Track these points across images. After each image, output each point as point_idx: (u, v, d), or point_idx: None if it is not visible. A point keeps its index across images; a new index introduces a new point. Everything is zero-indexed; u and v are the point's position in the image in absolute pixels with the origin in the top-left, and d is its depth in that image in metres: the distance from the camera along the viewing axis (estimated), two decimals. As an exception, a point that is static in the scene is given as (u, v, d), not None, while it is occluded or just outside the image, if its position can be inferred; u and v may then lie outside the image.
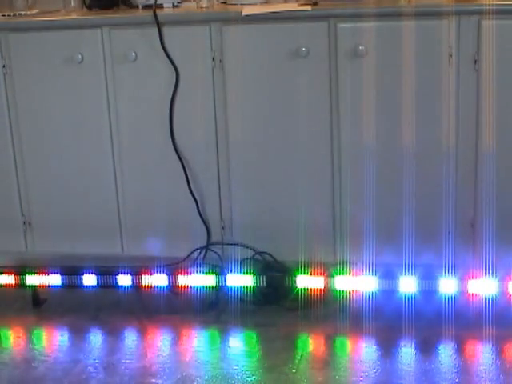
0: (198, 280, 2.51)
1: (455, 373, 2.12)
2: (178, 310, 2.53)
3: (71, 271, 2.58)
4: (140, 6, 2.62)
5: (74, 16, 2.66)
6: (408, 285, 2.35)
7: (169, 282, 2.53)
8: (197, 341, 2.38)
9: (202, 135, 2.50)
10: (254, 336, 2.39)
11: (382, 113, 2.34)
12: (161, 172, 2.56)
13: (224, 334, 2.41)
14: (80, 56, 2.47)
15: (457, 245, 2.42)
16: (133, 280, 2.55)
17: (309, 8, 2.36)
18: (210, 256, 2.58)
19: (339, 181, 2.44)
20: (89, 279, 2.57)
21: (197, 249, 2.58)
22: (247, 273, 2.49)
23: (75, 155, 2.59)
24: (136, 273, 2.54)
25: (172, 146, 2.50)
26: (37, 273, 2.59)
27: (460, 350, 2.23)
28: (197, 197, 2.55)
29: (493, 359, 2.17)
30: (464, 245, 2.42)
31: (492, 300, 2.31)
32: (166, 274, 2.53)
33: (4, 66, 2.56)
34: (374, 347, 2.27)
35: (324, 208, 2.47)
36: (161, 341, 2.40)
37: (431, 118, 2.32)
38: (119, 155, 2.57)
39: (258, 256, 2.54)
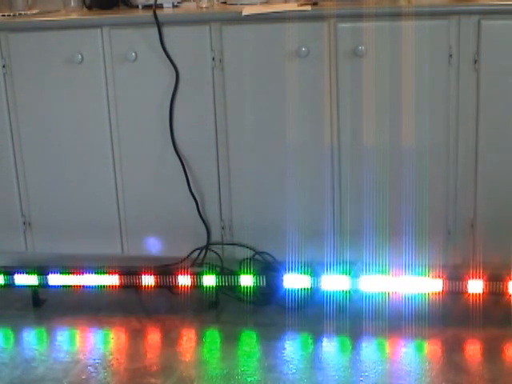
0: (197, 280, 2.51)
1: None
2: (178, 309, 2.53)
3: (71, 271, 2.58)
4: (140, 6, 2.62)
5: (74, 16, 2.66)
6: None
7: (169, 282, 2.53)
8: (197, 341, 2.38)
9: (202, 135, 2.50)
10: (254, 336, 2.39)
11: (381, 113, 2.34)
12: (161, 172, 2.56)
13: (224, 333, 2.41)
14: (80, 56, 2.47)
15: (457, 245, 2.42)
16: (133, 280, 2.55)
17: (309, 8, 2.36)
18: (210, 256, 2.59)
19: (339, 181, 2.44)
20: (89, 279, 2.57)
21: (197, 249, 2.58)
22: (247, 273, 2.49)
23: (75, 155, 2.59)
24: (136, 273, 2.55)
25: (172, 146, 2.51)
26: (37, 273, 2.59)
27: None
28: (197, 197, 2.55)
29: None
30: (464, 245, 2.42)
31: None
32: (166, 274, 2.53)
33: (4, 66, 2.56)
34: (374, 347, 2.28)
35: (324, 208, 2.47)
36: (161, 341, 2.40)
37: (431, 118, 2.33)
38: (119, 155, 2.57)
39: (257, 256, 2.54)
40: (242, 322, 2.45)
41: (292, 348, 2.30)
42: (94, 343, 2.41)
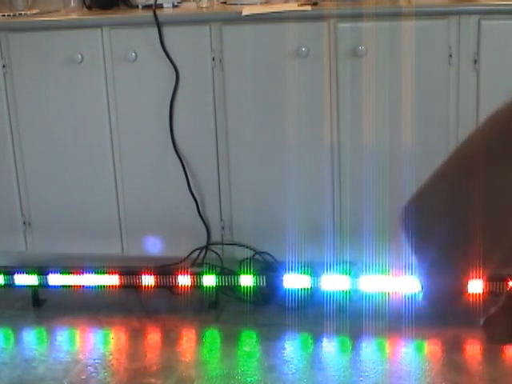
0: (197, 280, 2.51)
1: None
2: (178, 309, 2.53)
3: (71, 271, 2.58)
4: (140, 6, 2.62)
5: (73, 16, 2.66)
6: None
7: (169, 282, 2.53)
8: (197, 341, 2.38)
9: (202, 135, 2.51)
10: (254, 336, 2.39)
11: (381, 113, 2.34)
12: (161, 172, 2.56)
13: (224, 333, 2.41)
14: (80, 56, 2.47)
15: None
16: (133, 280, 2.55)
17: (309, 8, 2.36)
18: (210, 256, 2.59)
19: (339, 181, 2.44)
20: (89, 279, 2.57)
21: (197, 249, 2.58)
22: (247, 273, 2.49)
23: (75, 155, 2.59)
24: (136, 273, 2.55)
25: (172, 146, 2.51)
26: (37, 273, 2.59)
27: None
28: (197, 197, 2.55)
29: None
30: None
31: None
32: (166, 274, 2.53)
33: (4, 66, 2.56)
34: (374, 347, 2.28)
35: (324, 208, 2.47)
36: (161, 341, 2.40)
37: (431, 118, 2.33)
38: (119, 155, 2.57)
39: (258, 256, 2.54)
40: (242, 322, 2.45)
41: (292, 348, 2.30)
42: (94, 343, 2.41)
